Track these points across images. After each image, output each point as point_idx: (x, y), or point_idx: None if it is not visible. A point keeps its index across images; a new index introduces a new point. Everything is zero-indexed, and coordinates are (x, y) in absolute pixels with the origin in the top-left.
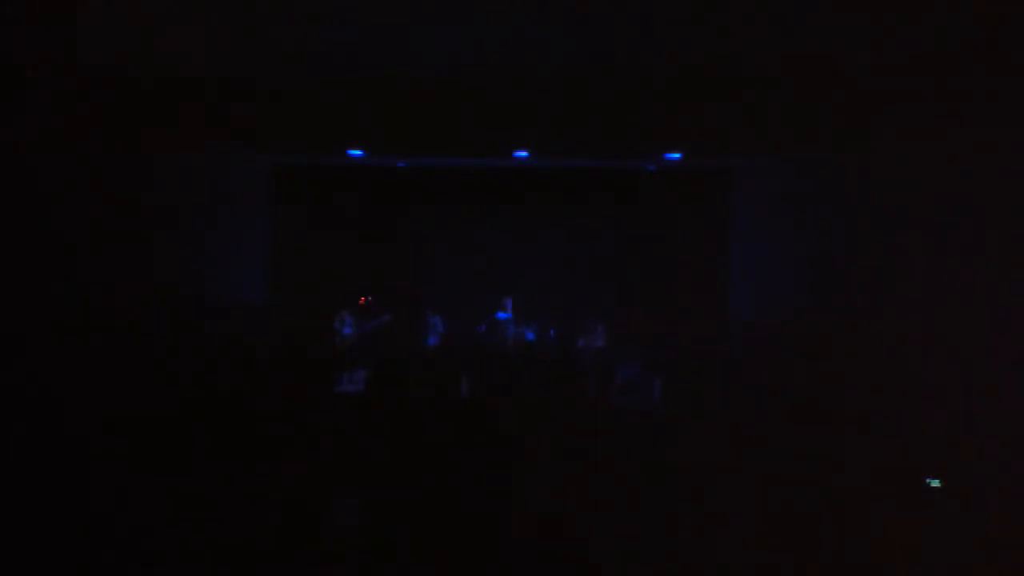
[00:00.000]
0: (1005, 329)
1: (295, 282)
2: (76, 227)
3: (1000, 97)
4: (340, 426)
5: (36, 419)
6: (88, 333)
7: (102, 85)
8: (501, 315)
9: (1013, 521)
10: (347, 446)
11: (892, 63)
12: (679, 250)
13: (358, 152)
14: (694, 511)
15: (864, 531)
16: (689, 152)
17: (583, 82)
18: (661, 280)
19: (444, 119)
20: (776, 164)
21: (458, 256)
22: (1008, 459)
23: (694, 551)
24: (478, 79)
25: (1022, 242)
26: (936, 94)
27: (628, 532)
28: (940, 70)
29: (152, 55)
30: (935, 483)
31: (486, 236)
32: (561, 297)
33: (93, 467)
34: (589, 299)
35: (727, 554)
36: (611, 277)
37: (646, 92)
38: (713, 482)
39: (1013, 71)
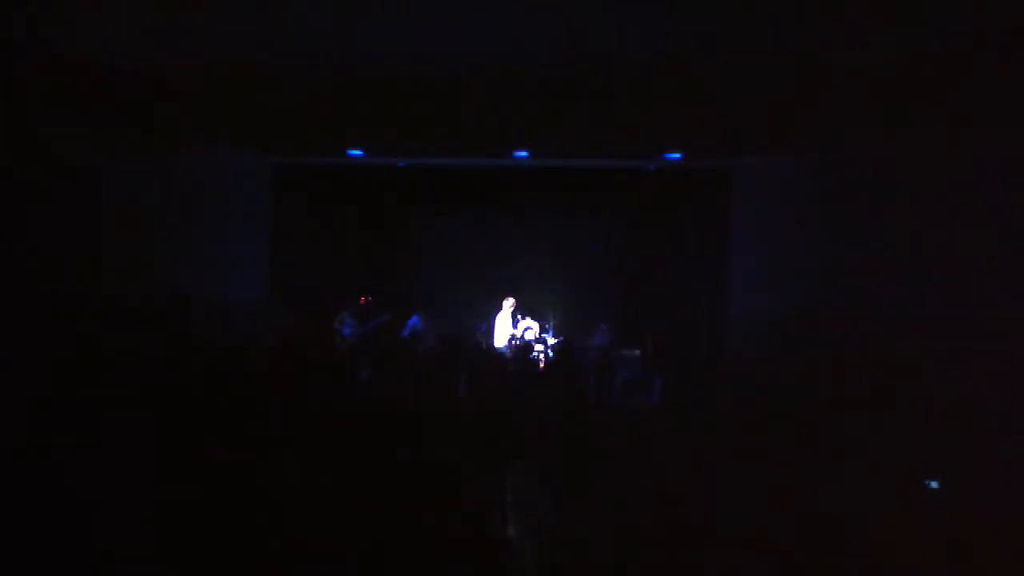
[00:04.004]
0: (1005, 328)
1: (295, 282)
2: (76, 227)
3: (1000, 97)
4: (341, 426)
5: (36, 419)
6: (89, 333)
7: (102, 85)
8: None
9: (1013, 521)
10: (347, 446)
11: (892, 63)
12: (679, 250)
13: (358, 152)
14: (694, 510)
15: (864, 531)
16: (689, 152)
17: (583, 82)
18: (661, 280)
19: (444, 119)
20: (776, 164)
21: (458, 256)
22: (1008, 459)
23: (694, 551)
24: (478, 79)
25: (1021, 240)
26: (936, 94)
27: (628, 531)
28: (940, 70)
29: (152, 55)
30: (934, 484)
31: (486, 236)
32: (561, 297)
33: (94, 467)
34: (589, 299)
35: (727, 553)
36: (611, 277)
37: (646, 92)
38: (713, 481)
39: (1013, 71)
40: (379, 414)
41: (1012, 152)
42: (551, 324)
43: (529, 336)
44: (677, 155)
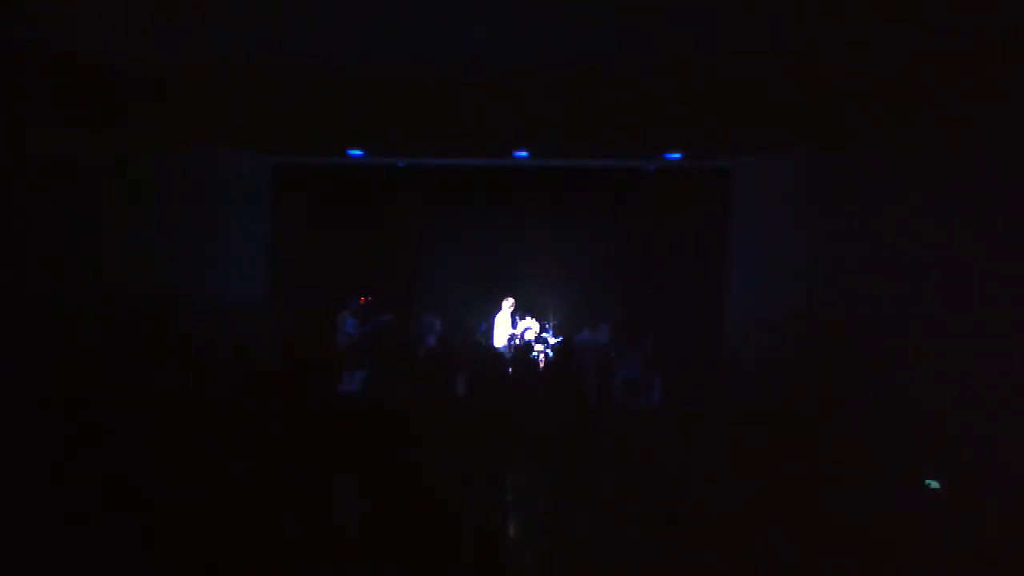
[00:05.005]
0: (1005, 328)
1: (295, 282)
2: (77, 227)
3: (1000, 97)
4: (340, 426)
5: (35, 420)
6: (90, 333)
7: (102, 85)
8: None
9: (1013, 521)
10: (347, 446)
11: (892, 63)
12: (679, 250)
13: (358, 152)
14: (694, 511)
15: (864, 531)
16: (689, 152)
17: (583, 82)
18: (661, 280)
19: (444, 119)
20: (776, 164)
21: (458, 256)
22: (1008, 459)
23: (694, 550)
24: (478, 79)
25: (1021, 241)
26: (936, 94)
27: (628, 531)
28: (940, 70)
29: (152, 55)
30: (934, 484)
31: (486, 236)
32: (561, 297)
33: (93, 468)
34: (589, 299)
35: (727, 553)
36: (611, 277)
37: (646, 92)
38: (713, 481)
39: (1013, 71)
40: (379, 414)
41: (1012, 152)
42: (551, 324)
43: (529, 336)
44: (677, 155)
